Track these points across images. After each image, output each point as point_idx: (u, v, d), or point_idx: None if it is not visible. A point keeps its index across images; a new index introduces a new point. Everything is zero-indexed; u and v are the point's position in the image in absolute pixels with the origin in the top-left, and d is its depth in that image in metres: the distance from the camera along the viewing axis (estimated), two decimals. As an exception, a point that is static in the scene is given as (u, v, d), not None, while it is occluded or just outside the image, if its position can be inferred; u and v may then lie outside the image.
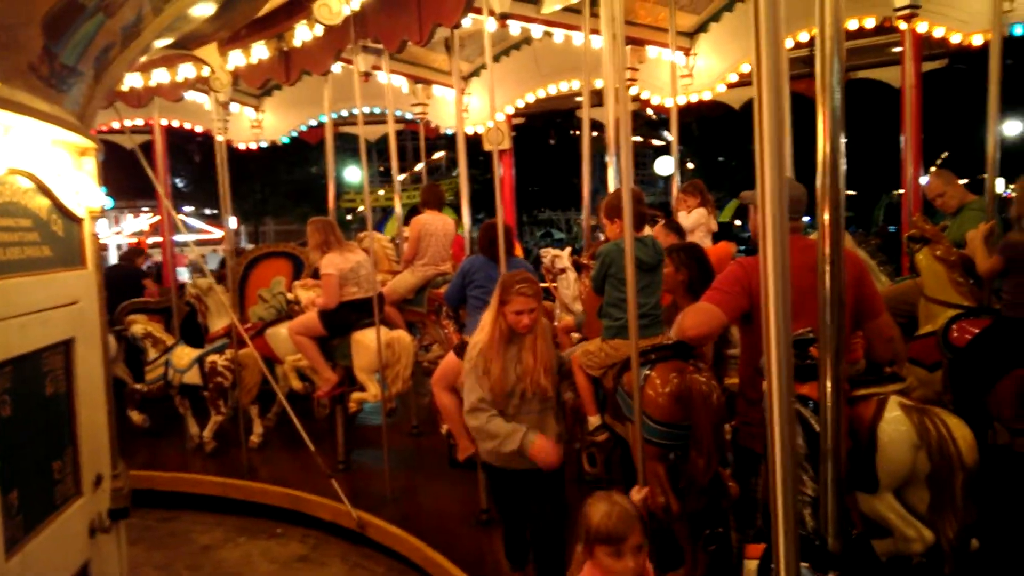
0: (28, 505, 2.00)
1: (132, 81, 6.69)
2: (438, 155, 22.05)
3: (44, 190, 2.20)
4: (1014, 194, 3.91)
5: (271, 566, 4.71)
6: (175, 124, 9.17)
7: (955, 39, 5.49)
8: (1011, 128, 19.25)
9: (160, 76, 6.67)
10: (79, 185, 2.39)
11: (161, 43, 5.89)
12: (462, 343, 4.33)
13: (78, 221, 2.40)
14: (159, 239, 11.44)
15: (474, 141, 9.54)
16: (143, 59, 5.97)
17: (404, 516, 4.61)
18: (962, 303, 4.13)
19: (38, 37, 2.07)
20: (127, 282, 7.99)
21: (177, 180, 21.25)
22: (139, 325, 6.47)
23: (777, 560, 1.43)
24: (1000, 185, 4.89)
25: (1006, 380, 3.66)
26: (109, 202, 9.38)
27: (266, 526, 5.20)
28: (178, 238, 10.14)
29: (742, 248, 9.92)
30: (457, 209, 6.46)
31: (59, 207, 2.27)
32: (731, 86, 7.06)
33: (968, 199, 4.65)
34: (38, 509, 2.07)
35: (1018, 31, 5.35)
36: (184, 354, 6.22)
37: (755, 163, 1.38)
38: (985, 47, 4.39)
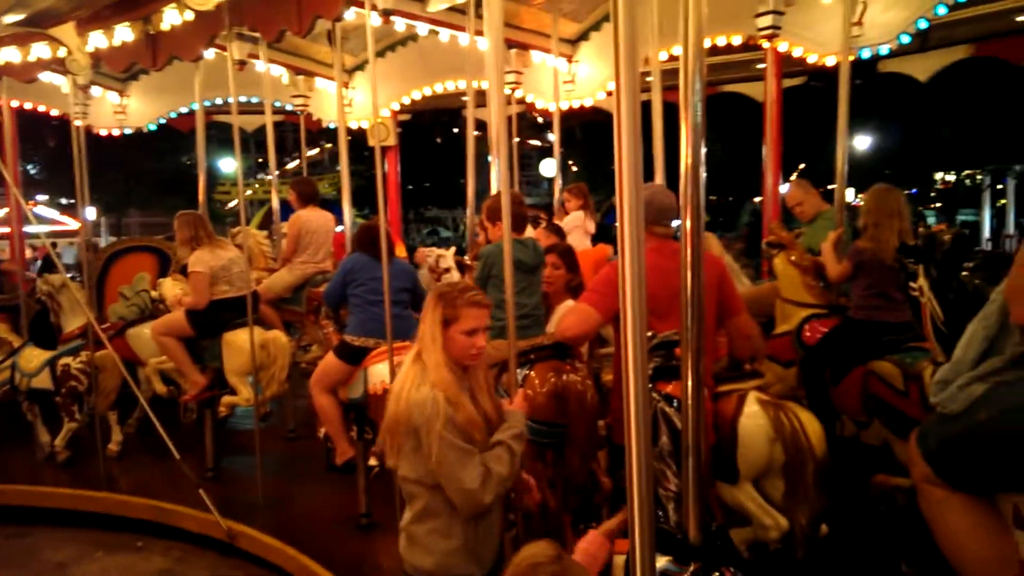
0: None
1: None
2: (319, 149, 21.43)
3: None
4: (862, 204, 4.25)
5: (132, 582, 4.43)
6: (27, 106, 8.42)
7: (811, 59, 5.91)
8: (860, 143, 21.03)
9: (9, 55, 6.13)
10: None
11: (10, 19, 5.43)
12: (342, 343, 4.25)
13: None
14: (6, 230, 10.47)
15: (358, 136, 9.35)
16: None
17: (278, 524, 4.45)
18: (814, 304, 4.46)
19: None
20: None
21: (29, 166, 19.59)
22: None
23: (633, 551, 1.48)
24: (850, 195, 5.31)
25: (851, 376, 3.97)
26: None
27: (127, 540, 4.87)
28: (29, 229, 9.32)
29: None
30: (339, 205, 6.31)
31: None
32: (611, 94, 7.29)
33: (824, 208, 5.01)
34: None
35: (865, 54, 5.82)
36: (33, 356, 5.73)
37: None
38: (837, 68, 4.76)
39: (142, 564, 4.63)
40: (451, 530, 2.11)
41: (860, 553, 3.50)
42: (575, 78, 7.35)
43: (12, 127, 7.89)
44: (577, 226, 6.17)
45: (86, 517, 5.07)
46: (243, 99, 7.67)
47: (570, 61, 7.31)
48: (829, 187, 4.91)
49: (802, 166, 17.74)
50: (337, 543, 4.18)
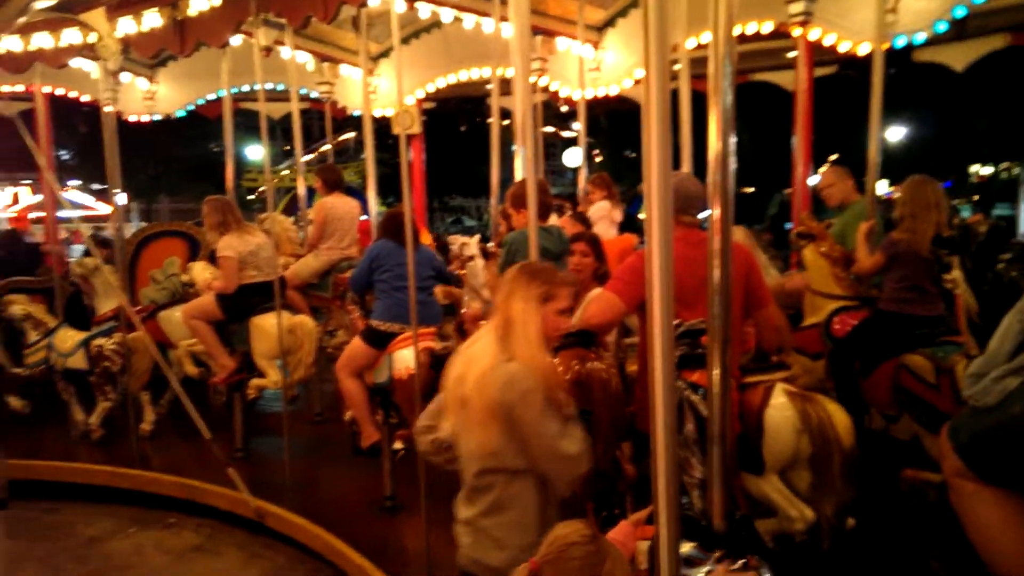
0: None
1: (10, 44, 6.21)
2: (345, 136, 21.53)
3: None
4: (897, 196, 4.17)
5: (164, 557, 4.53)
6: (59, 92, 8.55)
7: (844, 47, 5.79)
8: (893, 134, 20.63)
9: (42, 40, 6.23)
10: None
11: (41, 4, 5.50)
12: (368, 328, 4.29)
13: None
14: (41, 214, 10.68)
15: (383, 124, 9.38)
16: (22, 21, 5.57)
17: (305, 505, 4.52)
18: (844, 296, 4.40)
19: None
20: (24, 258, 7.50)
21: (62, 152, 19.89)
22: (18, 306, 6.05)
23: (659, 539, 1.49)
24: (883, 187, 5.22)
25: (881, 369, 3.93)
26: None
27: (159, 516, 4.99)
28: (63, 214, 9.49)
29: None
30: (364, 193, 6.35)
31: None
32: (638, 82, 7.23)
33: (853, 198, 4.93)
34: None
35: (900, 43, 5.68)
36: (68, 337, 5.86)
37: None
38: (870, 56, 4.67)
39: (173, 540, 4.73)
40: (529, 524, 2.03)
41: (888, 547, 3.46)
42: (601, 65, 7.29)
43: (45, 113, 8.04)
44: (603, 216, 6.14)
45: (119, 494, 5.19)
46: (269, 86, 7.71)
47: (596, 48, 7.26)
48: (861, 179, 4.82)
49: (834, 157, 17.51)
50: (362, 525, 4.23)
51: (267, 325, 5.06)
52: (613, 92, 7.44)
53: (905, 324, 3.89)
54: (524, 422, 1.96)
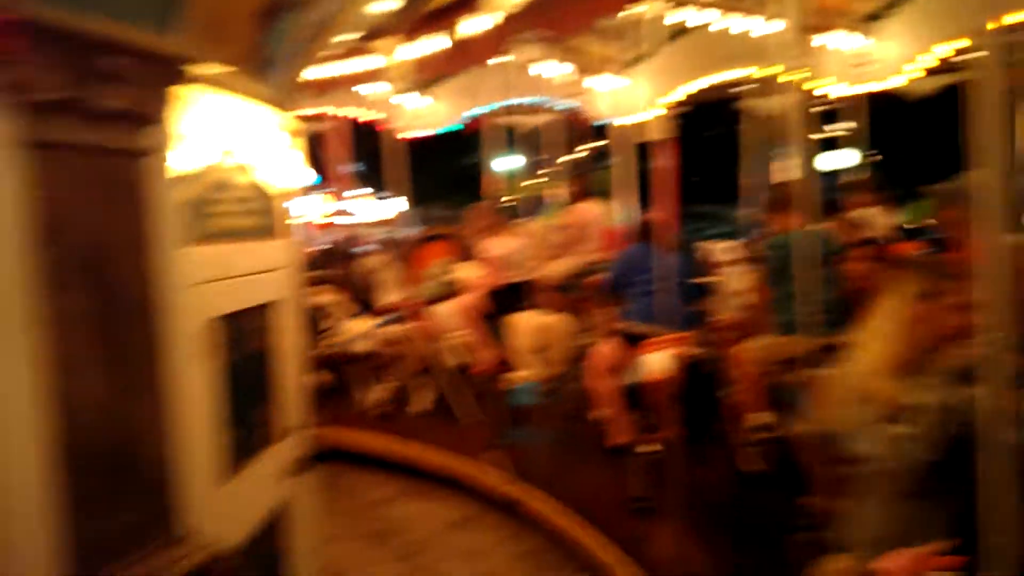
0: (235, 446, 2.28)
1: (313, 73, 7.23)
2: (593, 144, 21.98)
3: (252, 169, 2.47)
4: None
5: (433, 526, 4.98)
6: (352, 114, 9.79)
7: None
8: None
9: (337, 69, 7.17)
10: (282, 163, 2.66)
11: (345, 37, 6.31)
12: (620, 330, 4.39)
13: (277, 196, 2.67)
14: (340, 220, 12.31)
15: (633, 130, 9.45)
16: (326, 51, 6.46)
17: (557, 494, 4.69)
18: None
19: (250, 30, 2.32)
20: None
21: (359, 164, 22.65)
22: (328, 295, 7.00)
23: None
24: None
25: None
26: (313, 178, 10.10)
27: (428, 488, 5.50)
28: (358, 218, 10.82)
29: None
30: (613, 199, 6.50)
31: (261, 184, 2.55)
32: (911, 75, 6.53)
33: None
34: (242, 451, 2.34)
35: None
36: (357, 325, 6.67)
37: (962, 155, 1.31)
38: None
39: (438, 511, 5.19)
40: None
41: None
42: (870, 60, 6.69)
43: (344, 132, 9.22)
44: (873, 222, 5.67)
45: (389, 465, 5.81)
46: (520, 100, 8.13)
47: (865, 40, 6.67)
48: None
49: None
50: (613, 520, 4.27)
51: (523, 322, 5.37)
52: (882, 87, 6.79)
53: None
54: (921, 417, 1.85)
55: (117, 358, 1.60)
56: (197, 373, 1.99)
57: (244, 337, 2.42)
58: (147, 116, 1.72)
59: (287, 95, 2.66)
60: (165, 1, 1.70)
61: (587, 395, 4.89)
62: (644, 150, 5.94)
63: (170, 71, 1.74)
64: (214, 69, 2.09)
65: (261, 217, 2.54)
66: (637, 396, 4.27)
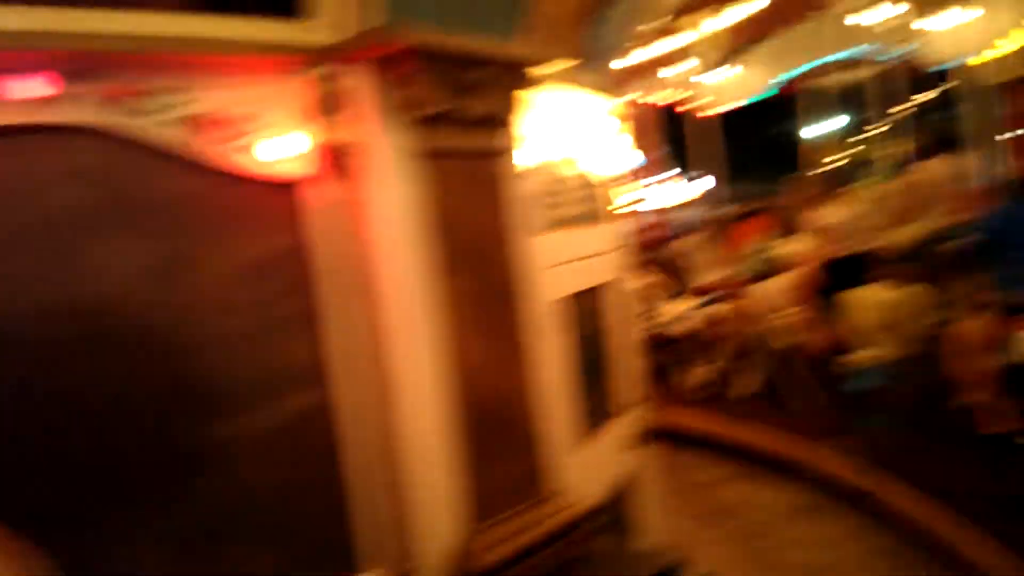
0: (586, 415, 2.44)
1: (625, 61, 7.38)
2: (931, 94, 19.10)
3: (582, 159, 2.62)
4: None
5: (769, 511, 4.80)
6: (657, 98, 9.80)
7: None
8: None
9: (645, 53, 7.21)
10: (611, 149, 2.78)
11: (658, 20, 6.36)
12: (993, 303, 3.77)
13: (605, 183, 2.81)
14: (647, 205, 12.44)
15: (988, 71, 8.05)
16: (641, 36, 6.57)
17: (920, 487, 4.20)
18: None
19: (580, 24, 2.46)
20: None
21: (664, 148, 22.74)
22: (645, 277, 7.14)
23: None
24: None
25: None
26: (638, 160, 10.36)
27: (756, 473, 5.31)
28: (666, 201, 10.87)
29: None
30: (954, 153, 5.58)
31: (590, 173, 2.69)
32: None
33: None
34: (591, 420, 2.51)
35: None
36: (677, 306, 6.69)
37: None
38: None
39: (774, 496, 4.95)
40: None
41: None
42: None
43: (649, 117, 9.28)
44: None
45: (717, 447, 5.67)
46: (838, 56, 7.34)
47: None
48: None
49: None
50: (992, 519, 3.70)
51: (865, 298, 4.90)
52: None
53: None
54: None
55: (493, 331, 1.83)
56: (554, 347, 2.18)
57: (585, 316, 2.59)
58: (502, 119, 1.92)
59: (613, 82, 2.77)
60: (511, 9, 1.88)
61: (949, 377, 4.30)
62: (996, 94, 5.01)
63: (519, 75, 1.92)
64: (553, 67, 2.26)
65: (591, 204, 2.69)
66: (1017, 378, 3.65)
